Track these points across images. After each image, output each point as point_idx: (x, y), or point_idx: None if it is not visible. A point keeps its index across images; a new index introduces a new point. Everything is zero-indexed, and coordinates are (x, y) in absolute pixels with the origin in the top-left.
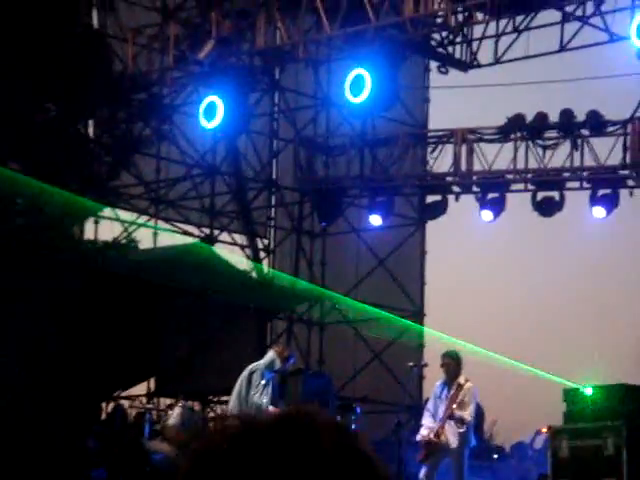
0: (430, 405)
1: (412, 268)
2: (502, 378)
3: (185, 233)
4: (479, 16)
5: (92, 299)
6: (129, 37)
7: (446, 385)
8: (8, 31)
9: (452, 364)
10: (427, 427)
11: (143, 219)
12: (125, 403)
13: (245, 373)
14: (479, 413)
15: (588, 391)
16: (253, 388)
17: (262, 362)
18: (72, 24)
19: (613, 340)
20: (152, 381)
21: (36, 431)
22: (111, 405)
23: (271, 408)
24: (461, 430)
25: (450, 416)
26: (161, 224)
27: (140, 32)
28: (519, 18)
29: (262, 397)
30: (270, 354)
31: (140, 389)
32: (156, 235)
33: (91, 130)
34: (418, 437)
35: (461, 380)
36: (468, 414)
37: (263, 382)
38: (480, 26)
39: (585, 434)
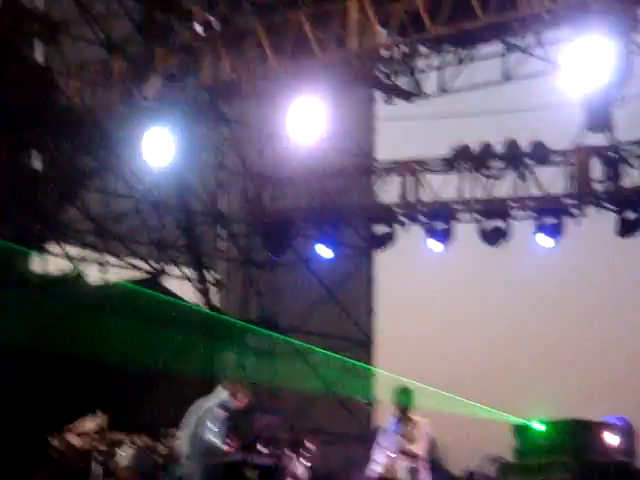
0: (382, 440)
1: (361, 298)
2: (450, 408)
3: (134, 267)
4: (423, 49)
5: (39, 334)
6: (73, 72)
7: (399, 421)
8: None
9: (403, 401)
10: (378, 463)
11: (91, 254)
12: (75, 440)
13: (196, 412)
14: (432, 447)
15: (538, 426)
16: (206, 427)
17: (216, 402)
18: (14, 58)
19: (565, 372)
20: (102, 416)
21: None
22: (58, 441)
23: (224, 447)
24: (413, 465)
25: (402, 451)
26: (110, 259)
27: (84, 67)
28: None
29: (216, 436)
30: (223, 393)
31: (90, 424)
32: (105, 270)
33: (37, 164)
34: (370, 473)
35: (414, 416)
36: (421, 449)
37: (215, 420)
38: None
39: (534, 470)
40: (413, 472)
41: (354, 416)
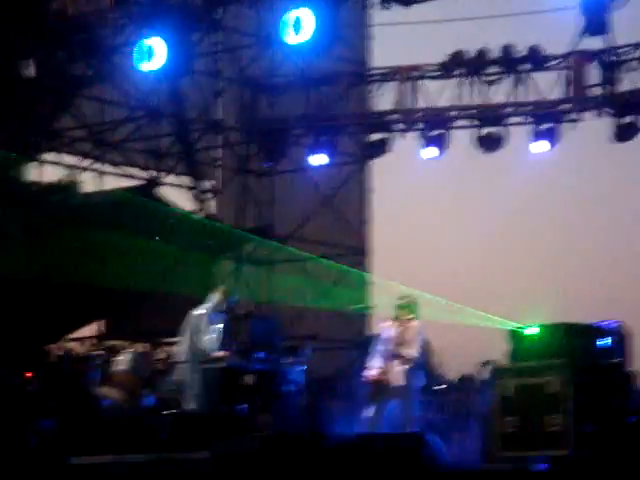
0: (378, 345)
1: (357, 206)
2: (446, 314)
3: (130, 176)
4: None
5: (38, 241)
6: None
7: (394, 325)
8: None
9: (406, 308)
10: (374, 367)
11: (87, 162)
12: (74, 346)
13: (192, 319)
14: (427, 350)
15: (532, 330)
16: (203, 333)
17: (208, 305)
18: None
19: (559, 278)
20: (102, 322)
21: None
22: (58, 348)
23: (221, 352)
24: (407, 367)
25: (396, 354)
26: (105, 167)
27: None
28: None
29: (211, 341)
30: (215, 296)
31: (90, 331)
32: (101, 178)
33: (31, 72)
34: (365, 377)
35: (407, 319)
36: (414, 351)
37: (212, 326)
38: None
39: (530, 373)
40: (407, 374)
41: (350, 323)
